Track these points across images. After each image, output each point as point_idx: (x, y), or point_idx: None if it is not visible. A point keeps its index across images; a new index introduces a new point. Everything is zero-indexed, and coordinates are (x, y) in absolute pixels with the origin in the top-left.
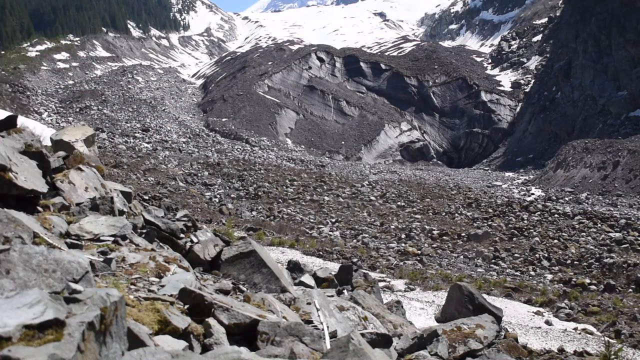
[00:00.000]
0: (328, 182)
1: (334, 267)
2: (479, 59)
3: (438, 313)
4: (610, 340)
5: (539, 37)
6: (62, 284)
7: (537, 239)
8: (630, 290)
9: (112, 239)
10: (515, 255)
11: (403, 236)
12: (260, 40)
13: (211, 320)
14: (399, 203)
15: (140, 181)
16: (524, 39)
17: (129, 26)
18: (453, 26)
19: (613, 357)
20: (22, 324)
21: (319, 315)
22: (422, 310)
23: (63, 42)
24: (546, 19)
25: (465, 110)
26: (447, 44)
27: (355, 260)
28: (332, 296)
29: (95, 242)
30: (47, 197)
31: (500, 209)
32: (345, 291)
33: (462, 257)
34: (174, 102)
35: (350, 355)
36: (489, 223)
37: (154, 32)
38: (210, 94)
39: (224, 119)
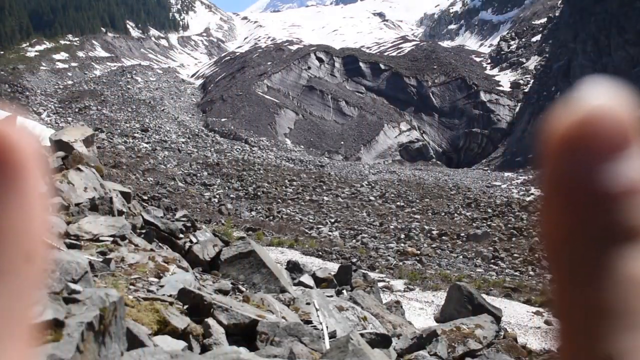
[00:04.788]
0: (327, 182)
1: (333, 267)
2: (478, 59)
3: (437, 313)
4: None
5: (538, 37)
6: (61, 284)
7: (536, 239)
8: None
9: (111, 239)
10: (515, 255)
11: (402, 236)
12: (259, 41)
13: (210, 321)
14: (398, 203)
15: (140, 181)
16: (523, 39)
17: (128, 26)
18: (452, 26)
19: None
20: None
21: (318, 316)
22: (421, 311)
23: (62, 42)
24: (545, 19)
25: (464, 110)
26: (446, 44)
27: (354, 260)
28: (332, 296)
29: (95, 242)
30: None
31: (500, 209)
32: (344, 291)
33: (461, 257)
34: (173, 102)
35: (350, 356)
36: (488, 223)
37: (153, 32)
38: (210, 94)
39: (223, 119)
